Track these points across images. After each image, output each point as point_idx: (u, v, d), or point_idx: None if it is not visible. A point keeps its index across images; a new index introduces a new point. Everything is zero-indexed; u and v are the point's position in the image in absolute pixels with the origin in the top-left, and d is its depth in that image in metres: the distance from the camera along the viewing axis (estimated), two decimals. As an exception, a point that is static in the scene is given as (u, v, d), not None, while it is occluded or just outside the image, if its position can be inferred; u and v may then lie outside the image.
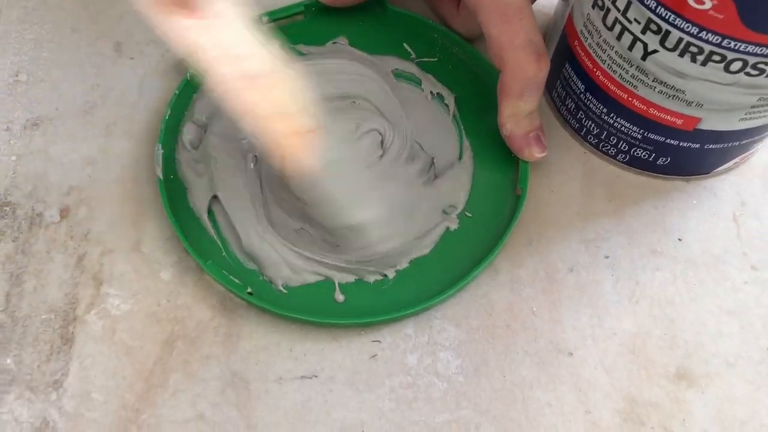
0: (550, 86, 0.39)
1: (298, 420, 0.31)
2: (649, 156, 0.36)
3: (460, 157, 0.37)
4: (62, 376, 0.31)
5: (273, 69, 0.30)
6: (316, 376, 0.32)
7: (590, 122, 0.36)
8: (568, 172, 0.38)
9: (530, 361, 0.33)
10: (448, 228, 0.35)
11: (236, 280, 0.33)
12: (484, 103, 0.37)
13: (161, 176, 0.34)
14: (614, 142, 0.36)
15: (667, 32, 0.29)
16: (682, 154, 0.35)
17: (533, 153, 0.35)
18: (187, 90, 0.37)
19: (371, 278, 0.34)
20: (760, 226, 0.37)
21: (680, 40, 0.29)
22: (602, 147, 0.37)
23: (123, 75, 0.39)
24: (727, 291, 0.35)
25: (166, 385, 0.32)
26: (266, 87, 0.29)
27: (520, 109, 0.34)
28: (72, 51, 0.39)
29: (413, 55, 0.40)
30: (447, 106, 0.38)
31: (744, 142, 0.34)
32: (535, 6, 0.41)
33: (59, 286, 0.33)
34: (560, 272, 0.35)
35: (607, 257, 0.36)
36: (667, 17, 0.29)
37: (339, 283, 0.34)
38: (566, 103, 0.37)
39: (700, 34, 0.28)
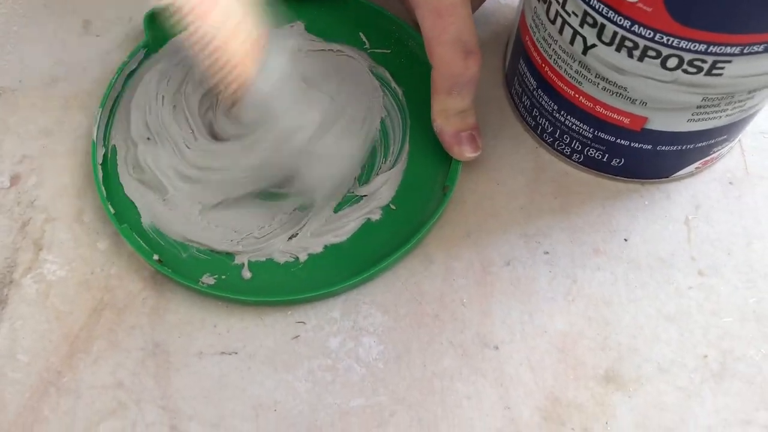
0: (509, 83, 0.38)
1: (213, 394, 0.31)
2: (603, 156, 0.35)
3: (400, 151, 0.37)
4: (-9, 336, 0.32)
5: None
6: (236, 353, 0.32)
7: (544, 120, 0.36)
8: (516, 166, 0.37)
9: (454, 353, 0.33)
10: (369, 219, 0.35)
11: (146, 246, 0.33)
12: (428, 98, 0.36)
13: (95, 138, 0.35)
14: (568, 141, 0.35)
15: (603, 25, 0.28)
16: (635, 155, 0.34)
17: (464, 152, 0.35)
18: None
19: (282, 259, 0.34)
20: (711, 231, 0.36)
21: (615, 33, 0.28)
22: (557, 146, 0.36)
23: (88, 51, 0.40)
24: (669, 295, 0.34)
25: (90, 351, 0.32)
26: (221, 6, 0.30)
27: (449, 106, 0.34)
28: (41, 26, 0.40)
29: (367, 45, 0.40)
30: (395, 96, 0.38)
31: (700, 144, 0.33)
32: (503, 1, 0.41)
33: (0, 249, 0.34)
34: (496, 265, 0.35)
35: (546, 253, 0.35)
36: (600, 10, 0.28)
37: (248, 261, 0.34)
38: (522, 100, 0.37)
39: (633, 28, 0.28)
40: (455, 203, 0.36)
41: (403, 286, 0.34)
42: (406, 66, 0.39)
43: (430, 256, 0.35)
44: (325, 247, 0.34)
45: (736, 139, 0.35)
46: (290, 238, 0.34)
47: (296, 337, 0.33)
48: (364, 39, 0.40)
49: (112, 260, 0.34)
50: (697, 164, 0.35)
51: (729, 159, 0.37)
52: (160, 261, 0.33)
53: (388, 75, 0.39)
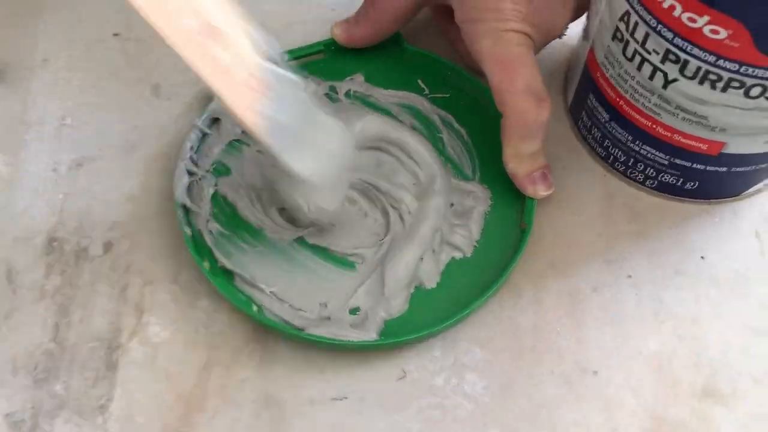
0: (575, 117, 0.40)
1: (330, 441, 0.32)
2: (677, 181, 0.36)
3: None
4: (107, 401, 0.33)
5: (232, 23, 0.31)
6: (346, 398, 0.33)
7: (617, 150, 0.37)
8: (588, 196, 0.39)
9: (556, 381, 0.34)
10: (453, 257, 0.36)
11: (243, 297, 0.35)
12: (495, 138, 0.37)
13: (178, 199, 0.37)
14: (641, 168, 0.37)
15: (686, 61, 0.30)
16: (709, 177, 0.35)
17: (537, 191, 0.36)
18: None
19: None
20: (783, 243, 0.37)
21: (699, 68, 0.30)
22: (630, 174, 0.38)
23: (160, 115, 0.41)
24: (752, 308, 0.36)
25: (205, 409, 0.33)
26: (225, 40, 0.30)
27: (522, 150, 0.36)
28: (113, 95, 0.42)
29: (426, 91, 0.41)
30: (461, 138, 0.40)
31: (771, 163, 0.35)
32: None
33: (104, 315, 0.35)
34: (583, 293, 0.36)
35: (629, 277, 0.36)
36: (684, 47, 0.30)
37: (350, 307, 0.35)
38: (592, 132, 0.38)
39: (718, 62, 0.29)
40: (535, 236, 0.37)
41: (496, 321, 0.35)
42: (466, 108, 0.41)
43: (518, 290, 0.36)
44: (417, 288, 0.36)
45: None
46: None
47: (402, 377, 0.34)
48: (423, 85, 0.41)
49: (214, 317, 0.35)
50: (766, 181, 0.36)
51: (789, 172, 0.39)
52: (259, 311, 0.34)
53: (450, 117, 0.40)
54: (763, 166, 0.34)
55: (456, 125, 0.40)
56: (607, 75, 0.34)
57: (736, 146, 0.33)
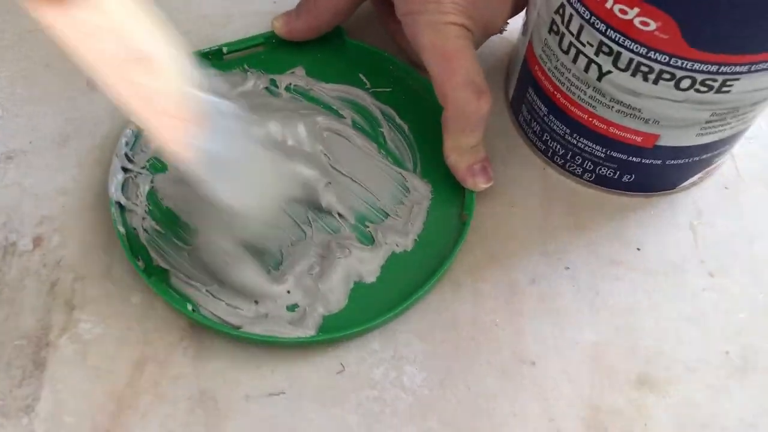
0: (516, 111, 0.40)
1: (267, 436, 0.32)
2: (614, 174, 0.37)
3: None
4: (33, 401, 0.32)
5: (160, 50, 0.29)
6: (283, 393, 0.33)
7: (555, 144, 0.37)
8: (527, 189, 0.39)
9: (494, 372, 0.34)
10: (393, 252, 0.36)
11: (177, 296, 0.34)
12: (436, 132, 0.37)
13: (113, 196, 0.36)
14: (579, 161, 0.37)
15: (618, 53, 0.30)
16: (645, 170, 0.36)
17: (477, 184, 0.36)
18: None
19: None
20: (716, 235, 0.38)
21: (631, 60, 0.30)
22: (568, 167, 0.38)
23: (95, 107, 0.40)
24: (686, 298, 0.36)
25: (137, 407, 0.32)
26: (152, 68, 0.29)
27: (462, 143, 0.36)
28: (46, 86, 0.41)
29: (368, 85, 0.41)
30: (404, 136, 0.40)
31: (705, 156, 0.36)
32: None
33: (32, 312, 0.34)
34: (522, 284, 0.36)
35: (567, 268, 0.37)
36: (617, 39, 0.30)
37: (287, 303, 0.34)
38: (532, 126, 0.38)
39: (649, 54, 0.30)
40: (474, 228, 0.37)
41: (436, 313, 0.35)
42: (408, 102, 0.40)
43: (458, 282, 0.36)
44: (356, 282, 0.35)
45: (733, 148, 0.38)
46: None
47: (340, 371, 0.34)
48: (365, 79, 0.41)
49: (148, 313, 0.34)
50: (699, 174, 0.37)
51: (722, 165, 0.40)
52: (194, 310, 0.34)
53: (392, 111, 0.40)
54: (697, 158, 0.35)
55: (398, 120, 0.40)
56: (545, 68, 0.34)
57: (669, 138, 0.33)
